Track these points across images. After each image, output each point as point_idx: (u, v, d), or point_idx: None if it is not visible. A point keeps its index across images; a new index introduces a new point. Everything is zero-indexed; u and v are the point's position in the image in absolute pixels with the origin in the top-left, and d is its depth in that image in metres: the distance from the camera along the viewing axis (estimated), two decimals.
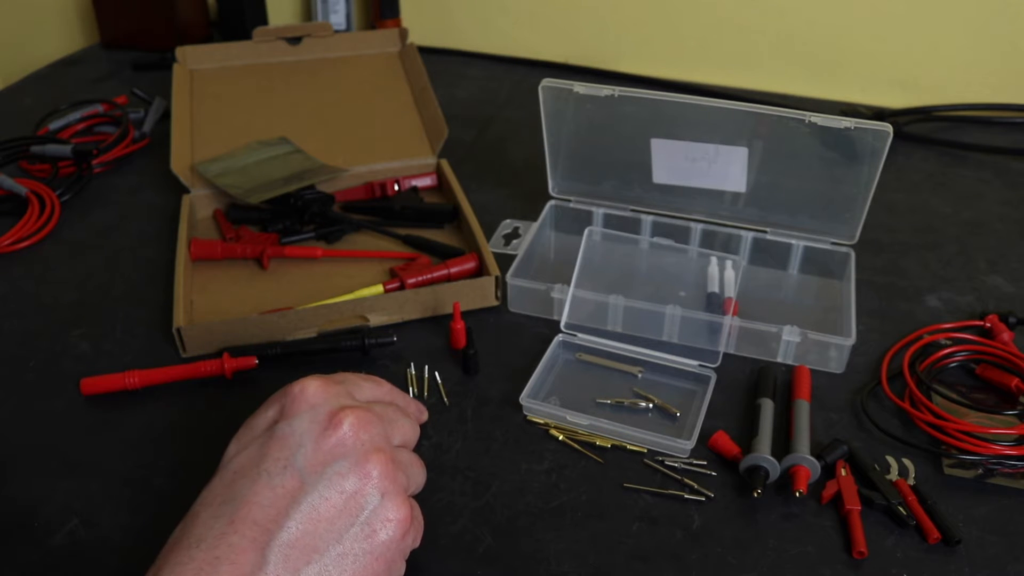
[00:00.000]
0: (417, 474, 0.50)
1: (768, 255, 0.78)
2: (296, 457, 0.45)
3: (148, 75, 1.19)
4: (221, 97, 0.94)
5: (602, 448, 0.61)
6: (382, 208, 0.86)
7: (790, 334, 0.67)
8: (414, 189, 0.89)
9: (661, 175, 0.79)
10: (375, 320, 0.72)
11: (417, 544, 0.49)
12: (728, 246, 0.78)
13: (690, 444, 0.59)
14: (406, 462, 0.49)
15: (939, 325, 0.72)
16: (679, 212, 0.80)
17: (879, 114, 1.06)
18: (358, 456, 0.45)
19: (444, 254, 0.79)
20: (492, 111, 1.10)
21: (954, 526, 0.54)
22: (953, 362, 0.68)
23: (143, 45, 1.26)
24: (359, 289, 0.73)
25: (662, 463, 0.59)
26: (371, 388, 0.53)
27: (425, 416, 0.59)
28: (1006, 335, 0.70)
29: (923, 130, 1.04)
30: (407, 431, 0.52)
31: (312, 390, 0.48)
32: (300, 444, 0.45)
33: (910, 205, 0.90)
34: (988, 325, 0.71)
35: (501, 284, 0.73)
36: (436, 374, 0.67)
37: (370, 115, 0.94)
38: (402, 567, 0.47)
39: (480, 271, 0.75)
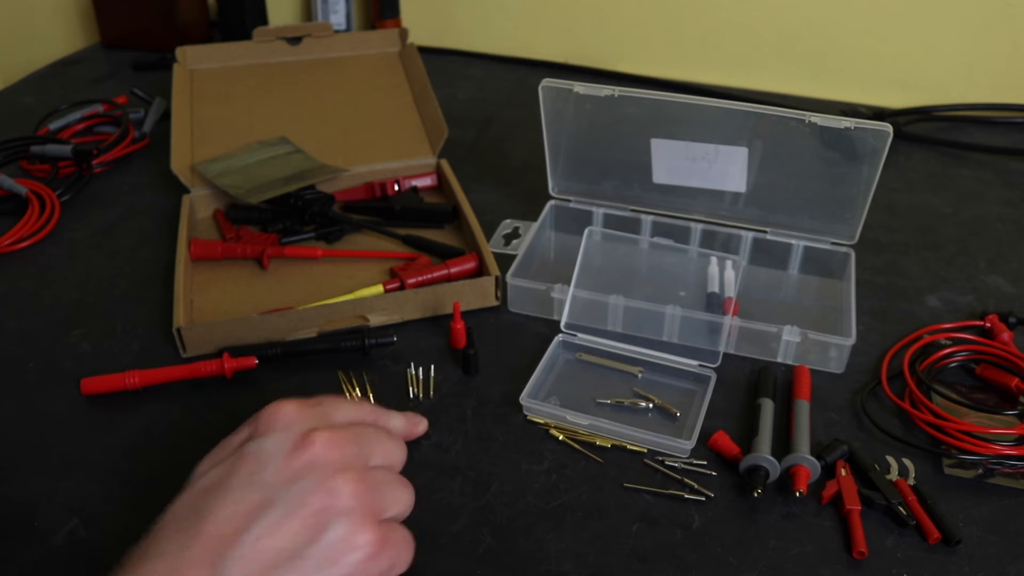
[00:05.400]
0: (400, 497, 0.48)
1: (768, 255, 0.78)
2: (264, 473, 0.45)
3: (148, 75, 1.19)
4: (221, 97, 0.94)
5: (602, 448, 0.61)
6: (382, 208, 0.86)
7: (790, 334, 0.67)
8: (414, 189, 0.89)
9: (661, 175, 0.79)
10: (375, 320, 0.72)
11: (402, 570, 0.47)
12: (728, 246, 0.78)
13: (690, 444, 0.59)
14: (382, 482, 0.48)
15: (939, 325, 0.72)
16: (679, 212, 0.80)
17: (879, 114, 1.06)
18: (327, 474, 0.45)
19: (444, 254, 0.79)
20: (492, 111, 1.10)
21: (954, 526, 0.54)
22: (953, 362, 0.68)
23: (143, 45, 1.26)
24: (359, 289, 0.73)
25: (662, 463, 0.59)
26: (351, 410, 0.52)
27: (422, 428, 0.59)
28: (1006, 335, 0.70)
29: (923, 130, 1.04)
30: (390, 451, 0.50)
31: (286, 411, 0.48)
32: (269, 461, 0.45)
33: (910, 205, 0.90)
34: (988, 325, 0.71)
35: (501, 284, 0.73)
36: (432, 369, 0.67)
37: (370, 115, 0.94)
38: None
39: (480, 271, 0.75)
